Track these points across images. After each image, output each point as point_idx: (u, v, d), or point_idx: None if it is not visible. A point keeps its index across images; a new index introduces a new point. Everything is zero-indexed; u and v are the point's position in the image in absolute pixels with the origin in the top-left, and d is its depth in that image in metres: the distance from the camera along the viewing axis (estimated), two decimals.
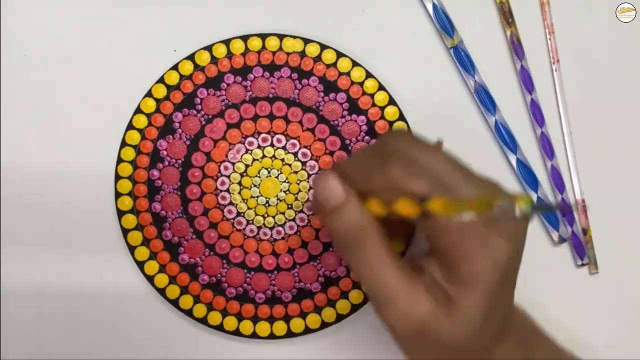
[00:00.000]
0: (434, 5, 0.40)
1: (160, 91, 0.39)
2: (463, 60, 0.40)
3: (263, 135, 0.40)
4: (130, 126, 0.39)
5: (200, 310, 0.39)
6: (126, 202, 0.39)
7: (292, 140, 0.39)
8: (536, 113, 0.40)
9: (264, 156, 0.39)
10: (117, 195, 0.39)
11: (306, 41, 0.39)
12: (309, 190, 0.39)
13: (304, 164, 0.39)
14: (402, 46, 0.41)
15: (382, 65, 0.40)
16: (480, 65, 0.40)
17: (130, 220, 0.39)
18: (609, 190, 0.41)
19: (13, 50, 0.40)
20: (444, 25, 0.40)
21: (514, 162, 0.40)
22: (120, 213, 0.39)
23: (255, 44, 0.39)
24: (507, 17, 0.40)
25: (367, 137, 0.39)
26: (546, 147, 0.40)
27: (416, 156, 0.28)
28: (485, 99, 0.40)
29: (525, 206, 0.22)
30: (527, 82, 0.40)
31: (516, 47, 0.40)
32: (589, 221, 0.40)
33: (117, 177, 0.39)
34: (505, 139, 0.40)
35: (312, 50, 0.39)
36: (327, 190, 0.28)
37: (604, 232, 0.40)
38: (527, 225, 0.28)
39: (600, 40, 0.41)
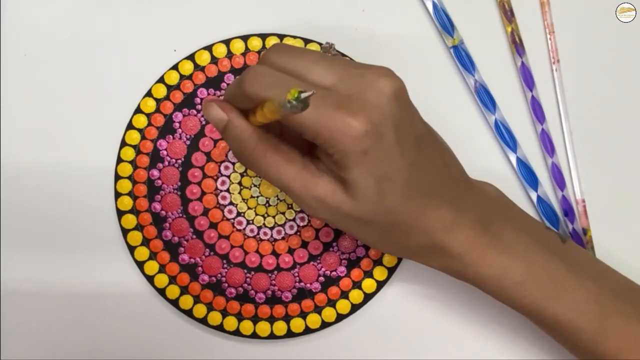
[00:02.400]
0: (434, 5, 0.40)
1: (160, 91, 0.39)
2: (463, 60, 0.40)
3: None
4: (130, 126, 0.39)
5: (200, 310, 0.39)
6: (126, 202, 0.39)
7: None
8: (537, 110, 0.40)
9: None
10: (117, 195, 0.39)
11: (306, 41, 0.39)
12: None
13: None
14: (402, 46, 0.41)
15: (381, 64, 0.40)
16: (480, 64, 0.40)
17: (130, 220, 0.39)
18: (610, 190, 0.41)
19: (13, 50, 0.40)
20: (445, 24, 0.40)
21: (514, 161, 0.40)
22: (120, 213, 0.39)
23: (255, 43, 0.39)
24: (507, 15, 0.41)
25: None
26: (547, 144, 0.40)
27: (277, 63, 0.30)
28: (485, 98, 0.40)
29: (293, 99, 0.23)
30: (527, 79, 0.40)
31: (517, 45, 0.40)
32: (589, 221, 0.40)
33: (117, 177, 0.39)
34: (505, 137, 0.40)
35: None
36: (210, 115, 0.31)
37: (605, 232, 0.40)
38: (387, 99, 0.29)
39: (600, 40, 0.41)
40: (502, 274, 0.32)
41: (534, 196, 0.40)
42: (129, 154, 0.39)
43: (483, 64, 0.40)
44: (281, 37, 0.39)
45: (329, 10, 0.41)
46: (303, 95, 0.23)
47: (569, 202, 0.40)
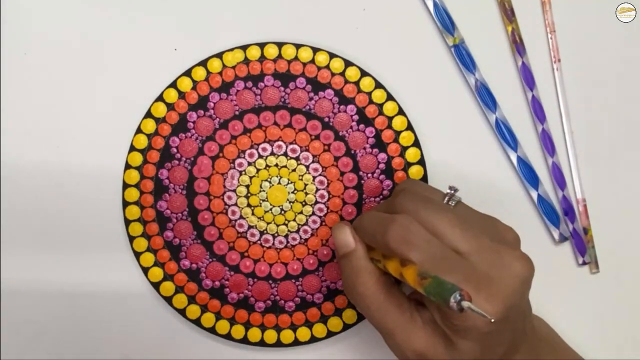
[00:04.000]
0: (435, 4, 0.40)
1: (172, 95, 0.39)
2: (464, 59, 0.40)
3: (262, 145, 0.39)
4: (138, 130, 0.39)
5: (210, 320, 0.39)
6: (134, 211, 0.39)
7: (291, 146, 0.40)
8: (537, 109, 0.40)
9: (267, 166, 0.39)
10: (125, 204, 0.39)
11: (314, 50, 0.39)
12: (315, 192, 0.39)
13: (307, 167, 0.39)
14: (403, 45, 0.41)
15: (382, 64, 0.40)
16: (481, 64, 0.40)
17: (136, 228, 0.39)
18: (610, 189, 0.41)
19: (13, 49, 0.40)
20: (445, 23, 0.40)
21: (514, 160, 0.40)
22: (127, 222, 0.39)
23: (253, 53, 0.39)
24: (508, 15, 0.41)
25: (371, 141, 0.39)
26: (547, 144, 0.40)
27: (419, 217, 0.30)
28: (485, 97, 0.40)
29: (466, 304, 0.24)
30: (528, 78, 0.40)
31: (517, 45, 0.40)
32: (589, 220, 0.40)
33: (125, 185, 0.39)
34: (506, 136, 0.40)
35: (315, 58, 0.39)
36: (339, 237, 0.33)
37: (605, 232, 0.40)
38: (520, 284, 0.30)
39: (601, 40, 0.41)
40: None
41: (534, 195, 0.40)
42: (135, 159, 0.39)
43: (484, 63, 0.40)
44: (280, 45, 0.39)
45: (329, 9, 0.41)
46: (465, 304, 0.24)
47: (570, 201, 0.40)
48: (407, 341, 0.31)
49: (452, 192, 0.32)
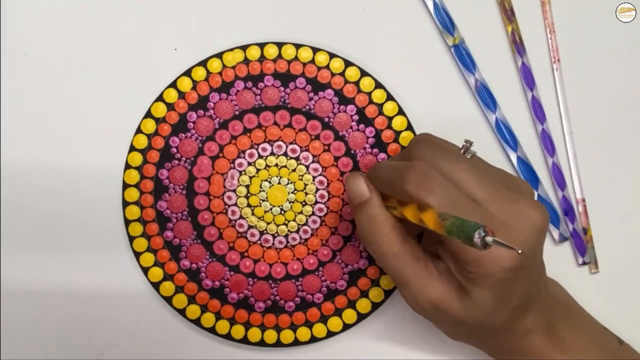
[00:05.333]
0: (435, 4, 0.40)
1: (172, 95, 0.39)
2: (464, 59, 0.40)
3: (262, 145, 0.39)
4: (138, 130, 0.39)
5: (210, 320, 0.39)
6: (134, 211, 0.39)
7: (291, 146, 0.40)
8: (537, 110, 0.40)
9: (267, 166, 0.39)
10: (125, 204, 0.39)
11: (314, 50, 0.39)
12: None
13: (307, 167, 0.39)
14: (403, 45, 0.41)
15: (382, 64, 0.40)
16: (481, 64, 0.40)
17: (136, 228, 0.39)
18: (610, 189, 0.41)
19: (13, 49, 0.40)
20: (445, 23, 0.40)
21: (514, 160, 0.40)
22: (127, 222, 0.39)
23: (253, 53, 0.39)
24: (508, 15, 0.41)
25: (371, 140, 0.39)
26: (547, 144, 0.40)
27: (436, 164, 0.30)
28: (485, 97, 0.40)
29: (491, 239, 0.23)
30: (528, 79, 0.40)
31: (517, 45, 0.40)
32: (589, 220, 0.40)
33: (125, 185, 0.39)
34: (506, 136, 0.40)
35: (315, 58, 0.39)
36: (354, 187, 0.32)
37: (605, 232, 0.40)
38: (537, 232, 0.30)
39: (601, 40, 0.41)
40: None
41: (535, 196, 0.40)
42: (136, 159, 0.39)
43: (484, 63, 0.40)
44: (280, 45, 0.39)
45: (329, 9, 0.41)
46: (490, 239, 0.23)
47: (570, 201, 0.40)
48: (423, 290, 0.31)
49: (468, 145, 0.32)
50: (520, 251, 0.23)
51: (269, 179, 0.39)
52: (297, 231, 0.39)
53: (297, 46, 0.39)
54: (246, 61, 0.39)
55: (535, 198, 0.32)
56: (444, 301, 0.31)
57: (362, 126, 0.39)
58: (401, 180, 0.30)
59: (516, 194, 0.30)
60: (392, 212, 0.32)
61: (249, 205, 0.39)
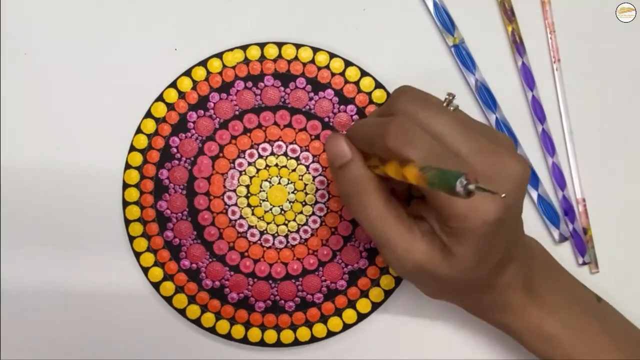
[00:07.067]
0: (435, 4, 0.40)
1: (172, 95, 0.39)
2: (464, 59, 0.40)
3: (262, 145, 0.39)
4: (138, 130, 0.39)
5: (210, 320, 0.39)
6: (134, 211, 0.39)
7: (291, 146, 0.40)
8: (537, 110, 0.40)
9: (267, 166, 0.39)
10: (125, 204, 0.39)
11: (314, 50, 0.39)
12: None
13: (307, 167, 0.39)
14: (403, 45, 0.41)
15: (382, 64, 0.40)
16: (481, 64, 0.40)
17: (136, 228, 0.39)
18: (610, 189, 0.41)
19: (13, 49, 0.40)
20: (445, 23, 0.40)
21: None
22: (127, 222, 0.39)
23: (253, 53, 0.39)
24: (508, 15, 0.41)
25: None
26: (547, 144, 0.40)
27: (417, 118, 0.30)
28: (485, 97, 0.40)
29: (473, 186, 0.22)
30: (528, 79, 0.40)
31: (517, 45, 0.40)
32: (589, 220, 0.40)
33: (125, 185, 0.39)
34: None
35: (315, 58, 0.39)
36: (334, 149, 0.32)
37: (605, 232, 0.40)
38: (519, 185, 0.30)
39: (601, 40, 0.41)
40: (538, 327, 0.34)
41: (534, 195, 0.40)
42: (136, 159, 0.39)
43: (484, 63, 0.40)
44: (280, 45, 0.39)
45: (329, 9, 0.41)
46: (472, 187, 0.22)
47: (570, 201, 0.40)
48: (407, 252, 0.31)
49: (451, 98, 0.32)
50: (503, 195, 0.23)
51: (269, 179, 0.39)
52: (297, 231, 0.39)
53: (297, 46, 0.39)
54: (246, 61, 0.39)
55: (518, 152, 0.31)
56: (428, 262, 0.30)
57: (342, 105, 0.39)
58: (382, 137, 0.29)
59: (499, 147, 0.30)
60: (374, 171, 0.31)
61: (249, 205, 0.39)
